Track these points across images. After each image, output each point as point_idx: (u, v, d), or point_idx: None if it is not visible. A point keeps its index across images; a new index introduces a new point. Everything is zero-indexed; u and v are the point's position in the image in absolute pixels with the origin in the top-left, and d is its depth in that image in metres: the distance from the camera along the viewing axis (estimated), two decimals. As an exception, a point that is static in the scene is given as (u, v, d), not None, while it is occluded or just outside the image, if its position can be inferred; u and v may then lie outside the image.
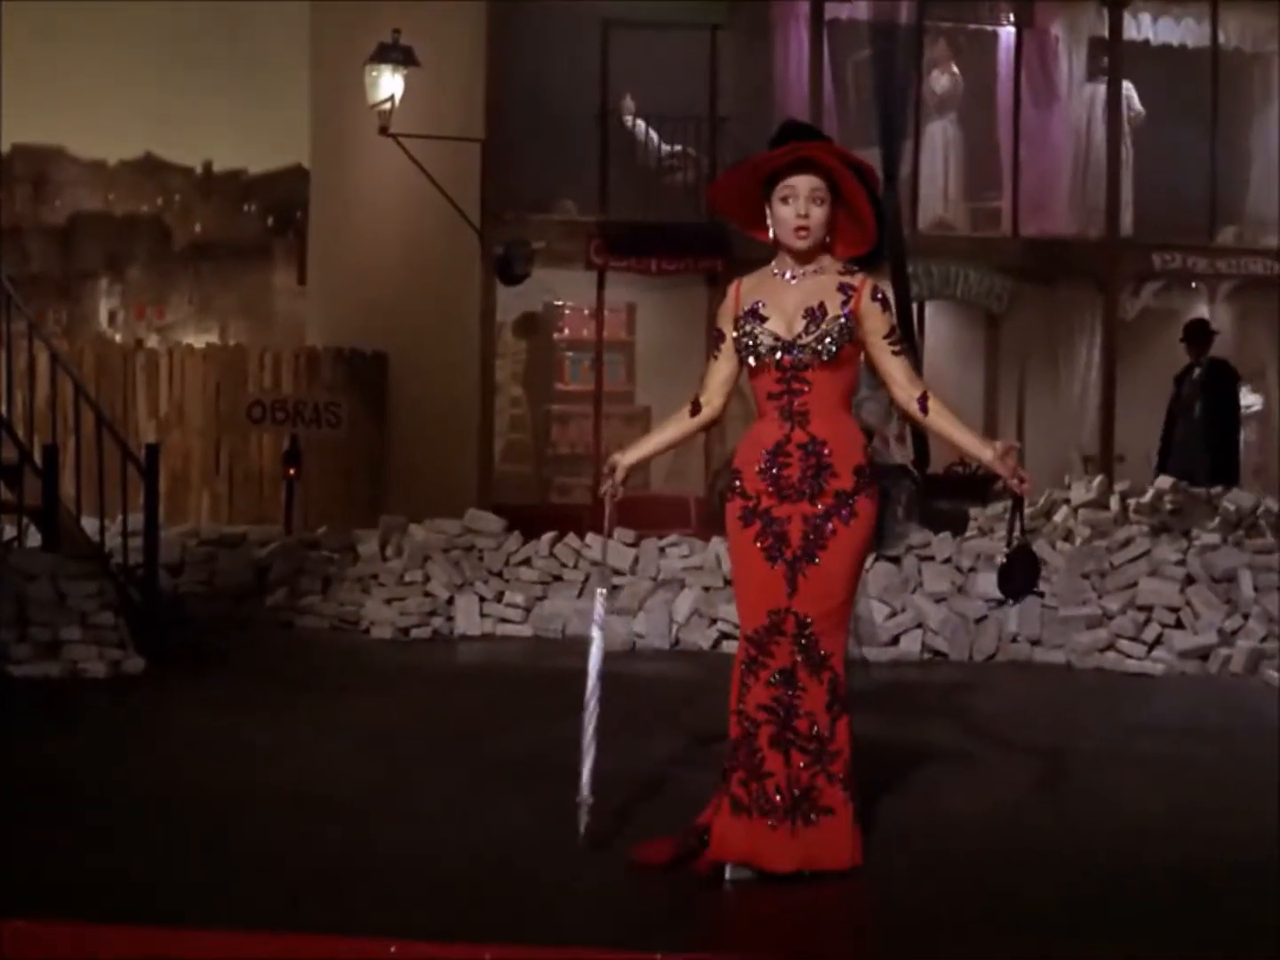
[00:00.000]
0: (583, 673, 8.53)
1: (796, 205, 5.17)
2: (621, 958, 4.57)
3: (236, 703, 8.65)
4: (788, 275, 5.25)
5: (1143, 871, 5.45)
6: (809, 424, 5.16)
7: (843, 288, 5.20)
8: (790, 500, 5.16)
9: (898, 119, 16.53)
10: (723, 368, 5.35)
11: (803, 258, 5.23)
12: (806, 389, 5.17)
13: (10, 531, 11.21)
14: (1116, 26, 17.64)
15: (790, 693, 5.14)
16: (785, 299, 5.22)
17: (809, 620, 5.13)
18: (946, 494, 15.00)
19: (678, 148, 17.21)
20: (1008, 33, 17.95)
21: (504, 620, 11.08)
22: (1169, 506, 11.66)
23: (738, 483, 5.27)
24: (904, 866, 5.40)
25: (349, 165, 18.89)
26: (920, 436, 15.29)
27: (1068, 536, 11.42)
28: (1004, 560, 5.69)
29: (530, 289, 16.92)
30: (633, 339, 17.96)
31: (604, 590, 5.73)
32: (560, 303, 17.81)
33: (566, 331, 17.98)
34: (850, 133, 17.21)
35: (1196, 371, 14.59)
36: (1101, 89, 17.99)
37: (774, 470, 5.17)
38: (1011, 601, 6.14)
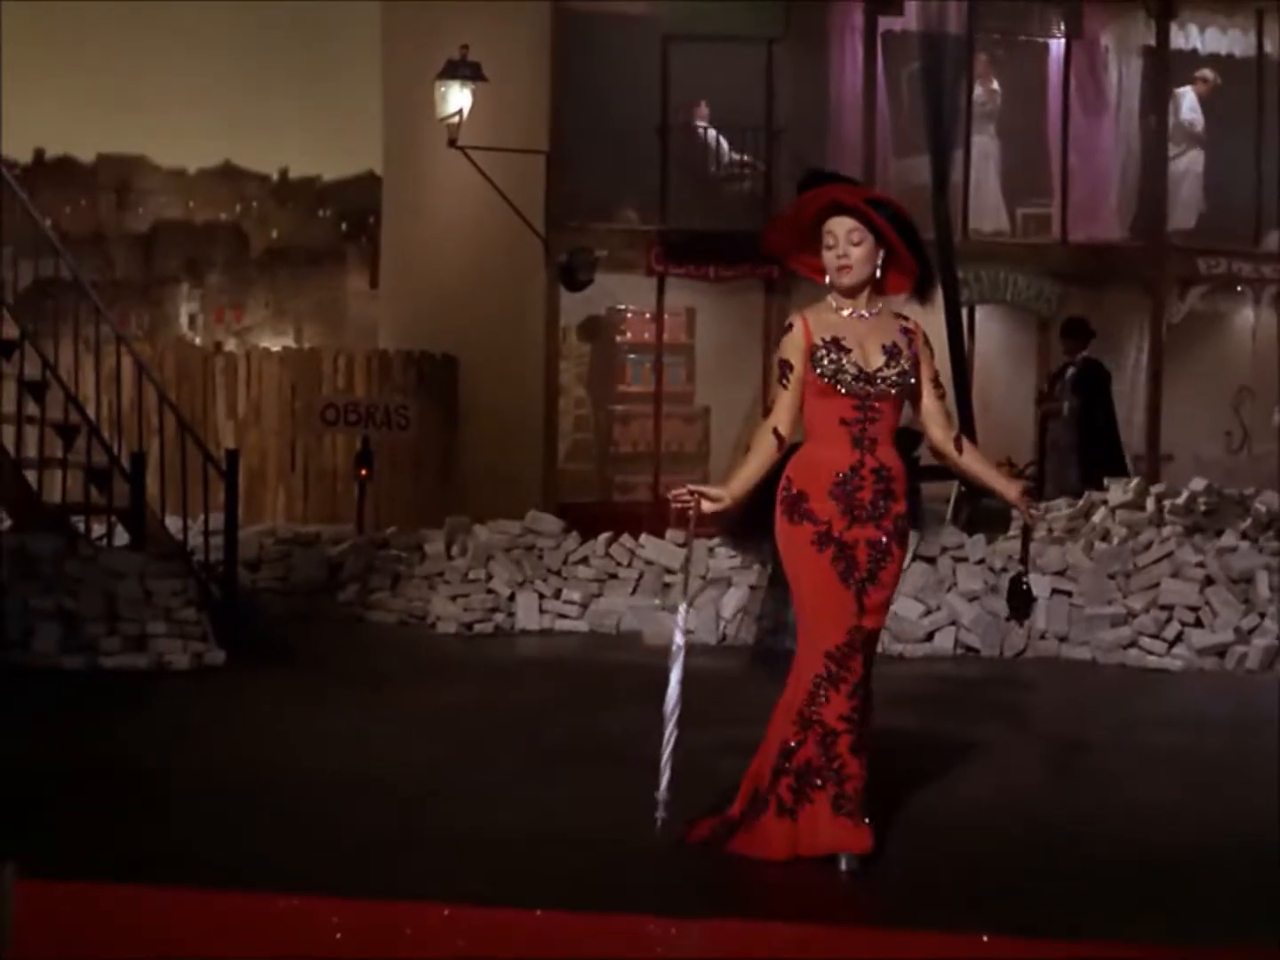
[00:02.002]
0: (635, 666, 9.10)
1: (837, 248, 5.57)
2: (643, 921, 5.09)
3: (309, 692, 9.15)
4: (855, 313, 5.62)
5: (1134, 852, 5.97)
6: (877, 450, 5.55)
7: (904, 330, 5.62)
8: (859, 522, 5.53)
9: (947, 129, 16.90)
10: (794, 398, 5.63)
11: (858, 296, 5.61)
12: (878, 419, 5.55)
13: (97, 530, 11.80)
14: (1163, 37, 17.97)
15: (864, 703, 5.58)
16: (861, 334, 5.58)
17: (873, 634, 5.61)
18: (992, 493, 15.49)
19: (745, 156, 17.70)
20: (1058, 43, 18.32)
21: (562, 616, 11.55)
22: (1202, 507, 12.08)
23: (803, 504, 5.58)
24: (923, 846, 5.91)
25: (419, 174, 19.30)
26: (969, 440, 15.79)
27: (1105, 536, 11.86)
28: (1012, 584, 6.27)
29: (593, 294, 17.36)
30: (692, 342, 18.36)
31: (685, 610, 5.97)
32: (622, 307, 18.20)
33: (628, 335, 18.32)
34: (904, 142, 17.69)
35: (1070, 371, 14.67)
36: (1184, 98, 18.39)
37: (849, 493, 5.53)
38: (1019, 621, 6.69)
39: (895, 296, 5.72)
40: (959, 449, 5.70)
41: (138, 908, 4.93)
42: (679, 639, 5.79)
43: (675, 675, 5.74)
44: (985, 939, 4.66)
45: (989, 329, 18.20)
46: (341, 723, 8.31)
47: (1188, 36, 18.29)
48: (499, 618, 11.56)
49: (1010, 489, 5.75)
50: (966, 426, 15.82)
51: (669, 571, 11.49)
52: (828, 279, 5.65)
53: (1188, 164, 18.52)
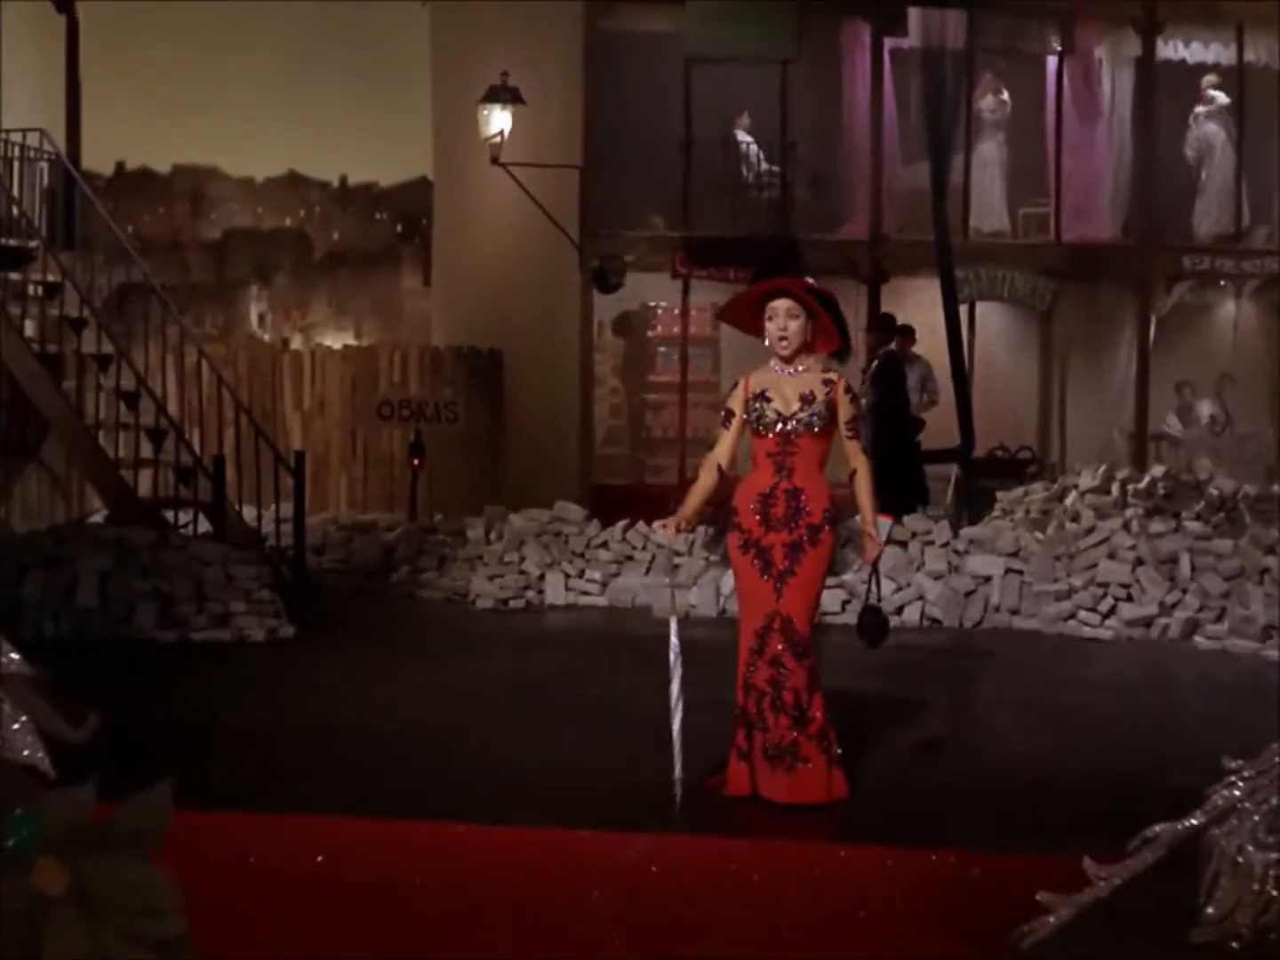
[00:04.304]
0: (646, 636, 10.68)
1: (777, 322, 7.07)
2: (616, 837, 6.63)
3: (367, 660, 10.65)
4: (785, 372, 7.10)
5: (1016, 783, 7.53)
6: (793, 476, 7.03)
7: (825, 382, 7.07)
8: (774, 530, 7.02)
9: (946, 138, 18.25)
10: (733, 437, 7.16)
11: (791, 358, 7.08)
12: (796, 451, 7.04)
13: (183, 518, 13.33)
14: (1149, 51, 19.27)
15: (781, 672, 7.00)
16: (784, 387, 7.06)
17: (791, 618, 7.01)
18: (987, 473, 17.02)
19: (762, 167, 19.06)
20: (1056, 56, 19.66)
21: (585, 593, 13.09)
22: (1162, 491, 13.60)
23: (735, 517, 7.13)
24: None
25: (466, 184, 20.67)
26: (967, 426, 17.27)
27: (1076, 518, 13.38)
28: (872, 614, 7.51)
29: (625, 293, 18.80)
30: (718, 334, 19.57)
31: (675, 619, 7.15)
32: (653, 304, 19.60)
33: (659, 329, 19.79)
34: (911, 150, 19.08)
35: (872, 366, 15.35)
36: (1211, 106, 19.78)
37: (765, 507, 7.04)
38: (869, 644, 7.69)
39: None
40: (851, 479, 7.20)
41: (220, 830, 6.31)
42: (675, 647, 6.99)
43: (676, 678, 7.02)
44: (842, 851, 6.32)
45: (988, 322, 19.60)
46: (393, 684, 9.83)
47: (1175, 49, 19.61)
48: (530, 595, 13.08)
49: (867, 520, 7.12)
50: (964, 412, 17.35)
51: (677, 554, 13.09)
52: (768, 342, 7.15)
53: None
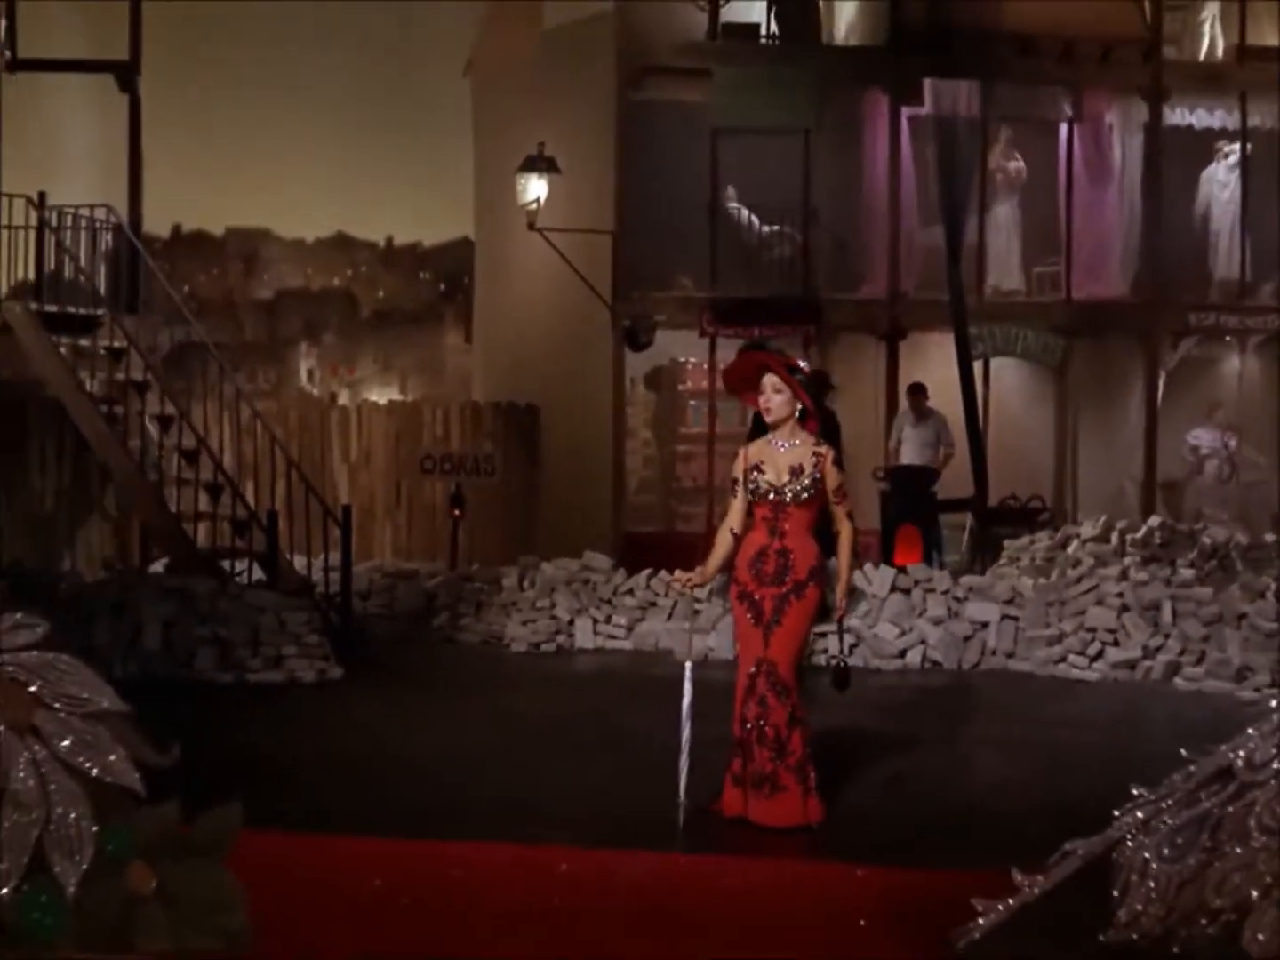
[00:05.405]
0: (667, 678, 11.56)
1: (765, 395, 7.96)
2: (627, 855, 7.50)
3: (409, 699, 11.42)
4: (780, 445, 7.96)
5: (976, 810, 8.39)
6: (785, 539, 7.92)
7: (815, 454, 7.94)
8: (765, 585, 7.90)
9: (961, 202, 19.16)
10: (742, 504, 8.01)
11: (785, 431, 7.92)
12: (787, 518, 7.93)
13: (237, 568, 14.22)
14: (1156, 118, 20.21)
15: (765, 709, 7.90)
16: (778, 460, 7.93)
17: (775, 663, 7.90)
18: (1000, 522, 17.87)
19: (776, 227, 19.95)
20: (1067, 124, 20.54)
21: (611, 637, 13.89)
22: (1158, 540, 14.41)
23: (734, 571, 8.01)
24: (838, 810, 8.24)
25: (505, 247, 21.60)
26: (981, 477, 18.11)
27: (1076, 565, 14.19)
28: (839, 667, 8.36)
29: (655, 350, 19.75)
30: None
31: (690, 663, 8.04)
32: (683, 359, 20.53)
33: (689, 384, 20.71)
34: (928, 212, 19.99)
35: None
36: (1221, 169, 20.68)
37: (758, 565, 7.92)
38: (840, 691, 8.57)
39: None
40: (836, 540, 8.11)
41: (274, 850, 6.70)
42: (688, 688, 7.96)
43: (686, 715, 7.96)
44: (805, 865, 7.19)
45: (1002, 376, 20.43)
46: (432, 721, 10.66)
47: (1182, 115, 20.49)
48: (561, 639, 13.90)
49: (841, 579, 8.04)
50: (978, 463, 18.20)
51: (697, 600, 13.92)
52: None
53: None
